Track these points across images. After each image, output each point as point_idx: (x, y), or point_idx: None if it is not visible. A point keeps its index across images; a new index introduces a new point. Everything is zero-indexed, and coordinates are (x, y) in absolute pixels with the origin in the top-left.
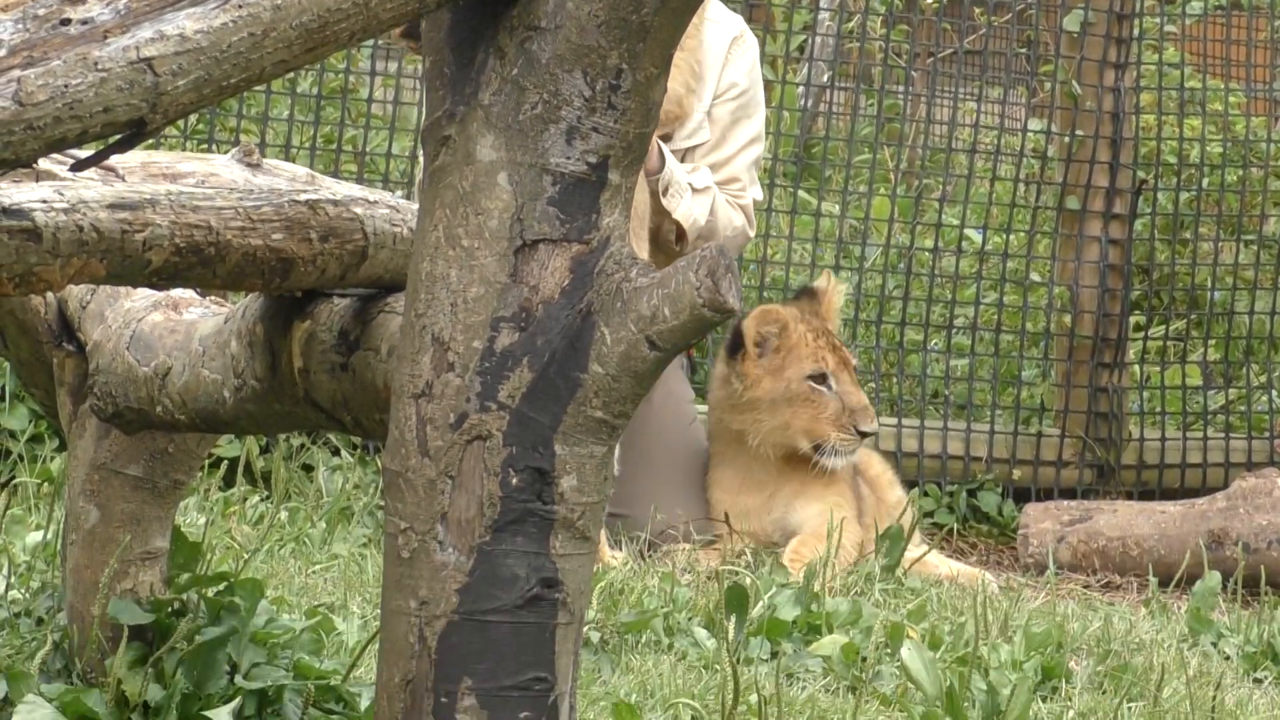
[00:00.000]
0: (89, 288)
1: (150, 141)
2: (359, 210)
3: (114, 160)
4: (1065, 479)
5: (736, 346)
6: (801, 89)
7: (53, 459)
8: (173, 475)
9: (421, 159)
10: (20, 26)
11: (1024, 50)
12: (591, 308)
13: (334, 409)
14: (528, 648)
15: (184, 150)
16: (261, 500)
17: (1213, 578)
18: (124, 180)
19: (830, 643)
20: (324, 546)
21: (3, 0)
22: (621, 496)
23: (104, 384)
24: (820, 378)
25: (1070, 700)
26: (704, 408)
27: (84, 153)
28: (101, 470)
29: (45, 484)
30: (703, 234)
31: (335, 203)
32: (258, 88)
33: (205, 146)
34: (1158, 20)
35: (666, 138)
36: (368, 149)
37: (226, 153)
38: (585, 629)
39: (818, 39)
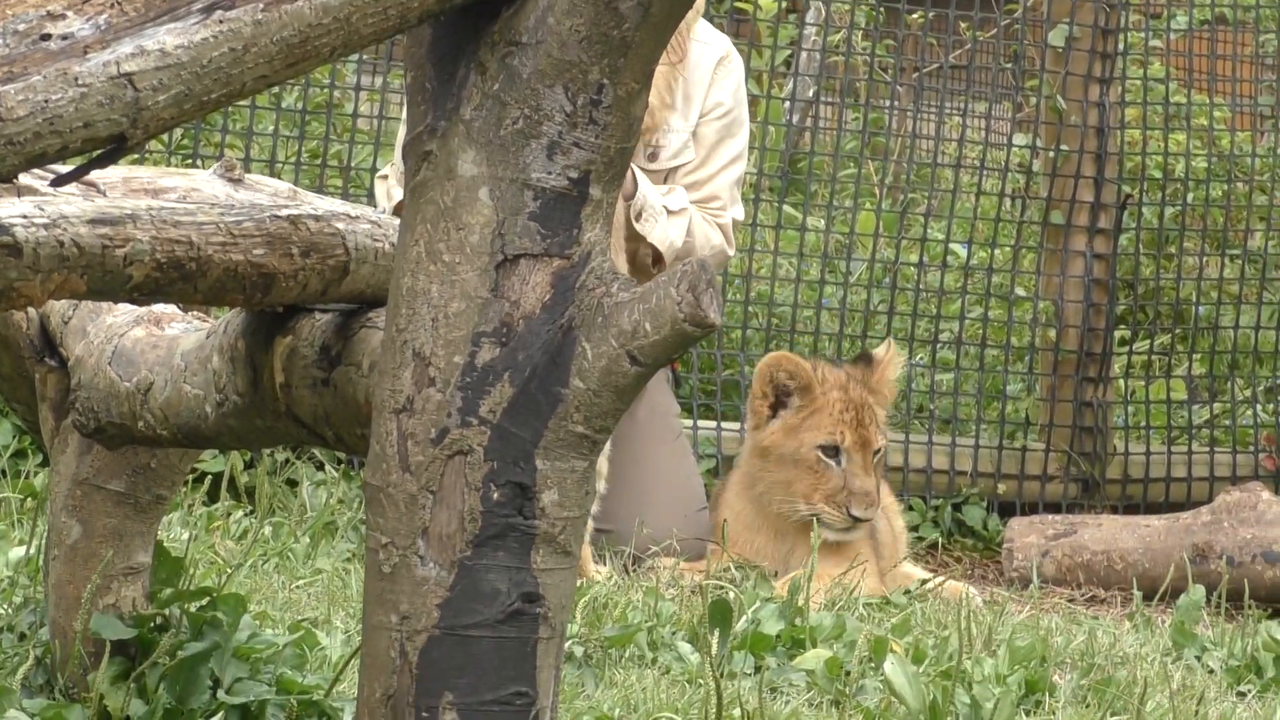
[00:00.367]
0: (71, 303)
1: (134, 156)
2: (340, 225)
3: (95, 175)
4: (1050, 493)
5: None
6: (787, 104)
7: (36, 474)
8: (155, 490)
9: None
10: (0, 41)
11: (1009, 65)
12: (573, 323)
13: (316, 424)
14: (509, 662)
15: (169, 165)
16: (245, 515)
17: (1197, 591)
18: (105, 195)
19: (814, 657)
20: (308, 561)
21: None
22: (606, 511)
23: (86, 399)
24: (832, 450)
25: (1054, 714)
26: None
27: (65, 168)
28: (84, 485)
29: (28, 499)
30: (680, 255)
31: (317, 218)
32: (242, 103)
33: (190, 161)
34: (1143, 35)
35: (653, 156)
36: (353, 164)
37: (210, 168)
38: (569, 643)
39: (803, 54)
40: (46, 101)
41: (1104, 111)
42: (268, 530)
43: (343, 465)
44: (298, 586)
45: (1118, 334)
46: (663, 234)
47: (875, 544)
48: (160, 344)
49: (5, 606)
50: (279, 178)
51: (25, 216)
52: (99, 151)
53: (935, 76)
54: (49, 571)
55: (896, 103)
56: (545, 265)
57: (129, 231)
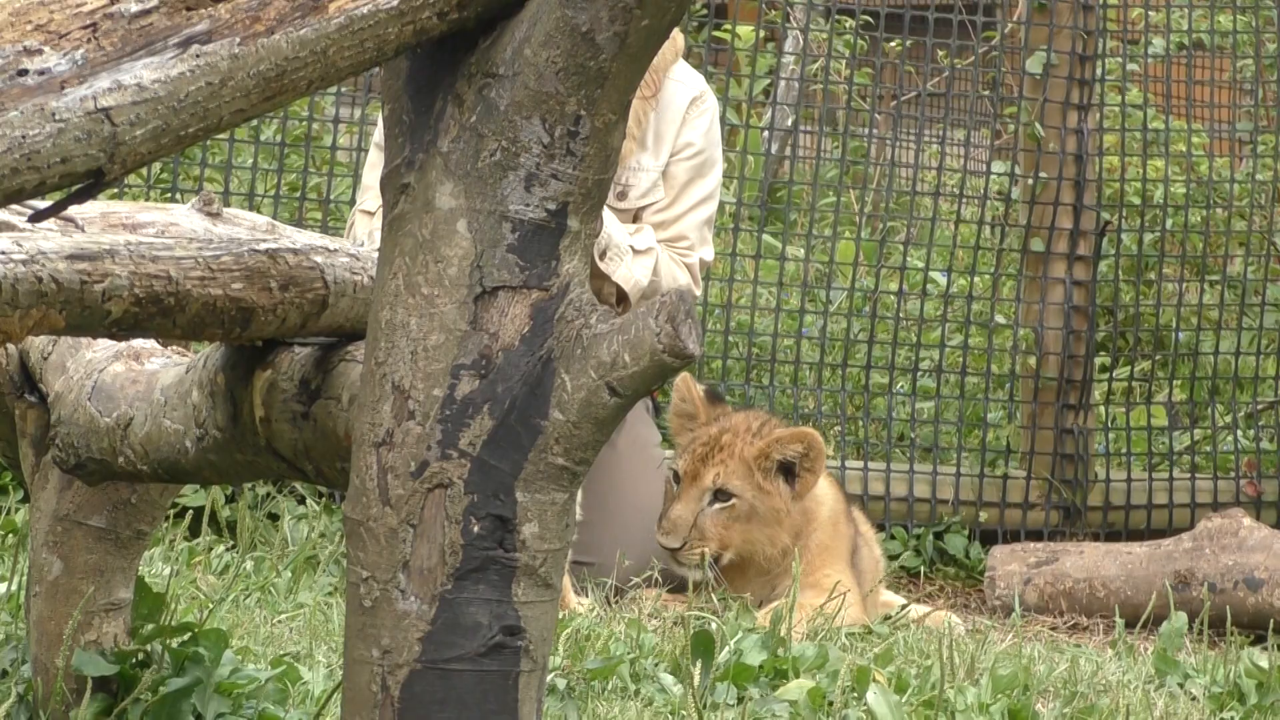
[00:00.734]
0: (50, 338)
1: (113, 191)
2: (319, 259)
3: (73, 211)
4: (1031, 521)
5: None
6: (766, 133)
7: (16, 510)
8: (136, 526)
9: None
10: None
11: (987, 92)
12: (552, 354)
13: (296, 458)
14: (491, 696)
15: (147, 200)
16: (227, 550)
17: (1179, 618)
18: (83, 231)
19: (796, 687)
20: (289, 596)
21: None
22: (588, 543)
23: (66, 435)
24: (675, 477)
25: None
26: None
27: (43, 203)
28: (64, 521)
29: (9, 535)
30: (645, 295)
31: (295, 251)
32: (221, 136)
33: (169, 196)
34: (1120, 61)
35: (622, 195)
36: (332, 196)
37: (188, 202)
38: (551, 676)
39: (782, 83)
40: (24, 137)
41: (1082, 138)
42: (249, 565)
43: (324, 499)
44: (279, 621)
45: (1098, 361)
46: (627, 273)
47: (857, 573)
48: (139, 379)
49: None
50: (258, 211)
51: (3, 252)
52: (77, 187)
53: (914, 104)
54: (30, 608)
55: (875, 131)
56: (524, 297)
57: (107, 267)
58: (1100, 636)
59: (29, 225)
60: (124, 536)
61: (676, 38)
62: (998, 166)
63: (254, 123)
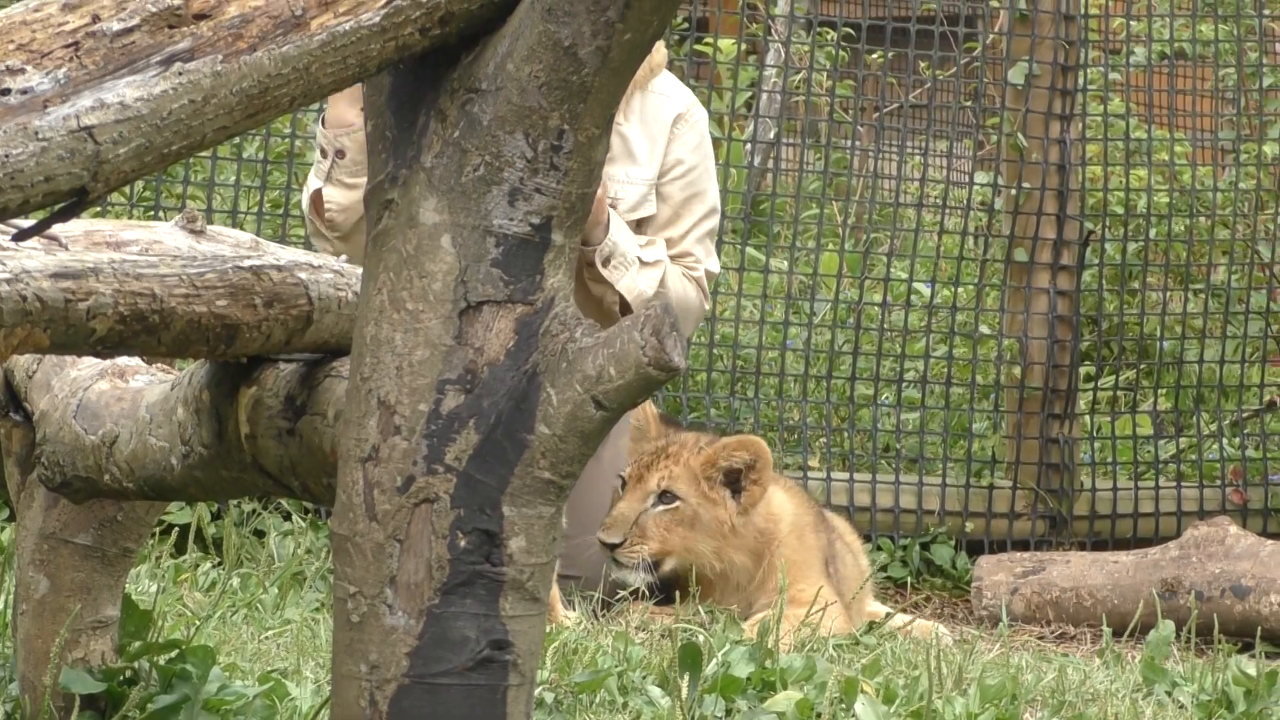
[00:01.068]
0: (35, 357)
1: (96, 209)
2: (303, 275)
3: (57, 229)
4: (1018, 530)
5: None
6: (748, 146)
7: (2, 529)
8: (122, 543)
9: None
10: None
11: (969, 103)
12: (537, 369)
13: (281, 474)
14: (479, 710)
15: (131, 218)
16: (213, 567)
17: (1166, 627)
18: (67, 249)
19: (784, 699)
20: (276, 612)
21: None
22: (574, 556)
23: (51, 453)
24: (623, 481)
25: None
26: None
27: (26, 222)
28: (50, 539)
29: None
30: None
31: (279, 268)
32: (204, 154)
33: (152, 214)
34: (1102, 71)
35: (610, 206)
36: None
37: (172, 220)
38: (539, 689)
39: (764, 95)
40: (7, 156)
41: (1065, 148)
42: (236, 581)
43: (310, 515)
44: (266, 637)
45: (1083, 370)
46: (631, 283)
47: (838, 580)
48: (125, 397)
49: None
50: (241, 228)
51: None
52: (60, 205)
53: (896, 116)
54: (17, 626)
55: (858, 143)
56: (509, 312)
57: (91, 285)
58: (1088, 645)
59: (13, 244)
60: (110, 554)
61: (655, 51)
62: (981, 177)
63: (237, 140)
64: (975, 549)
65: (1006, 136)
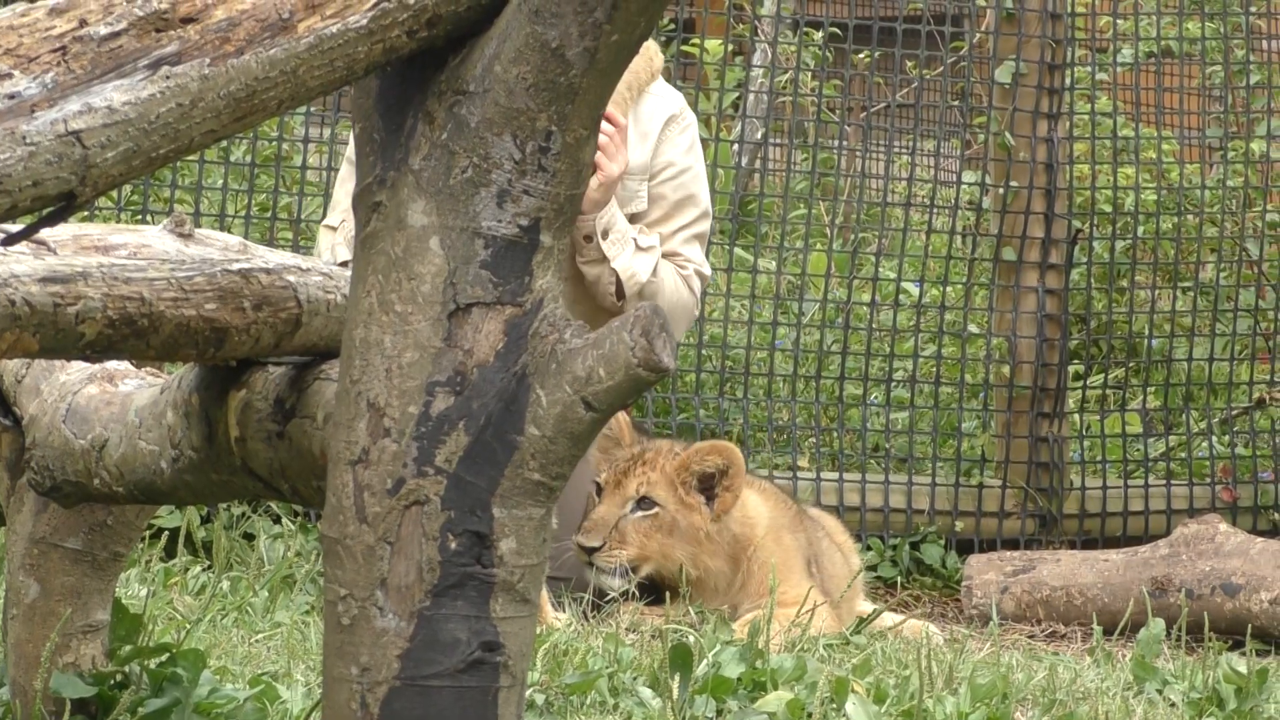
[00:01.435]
0: (24, 362)
1: (84, 213)
2: (292, 278)
3: (45, 233)
4: (1008, 529)
5: None
6: (735, 146)
7: None
8: (112, 547)
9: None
10: None
11: (956, 103)
12: (526, 370)
13: (271, 477)
14: (470, 712)
15: (119, 222)
16: (203, 570)
17: (1156, 625)
18: (55, 253)
19: (775, 699)
20: (266, 615)
21: None
22: (564, 559)
23: (41, 458)
24: (598, 488)
25: None
26: None
27: (15, 227)
28: (40, 544)
29: None
30: (645, 294)
31: (268, 271)
32: (191, 157)
33: (140, 218)
34: (1089, 69)
35: None
36: (303, 216)
37: (160, 223)
38: (529, 691)
39: (751, 96)
40: None
41: (1053, 147)
42: (226, 585)
43: (299, 518)
44: (257, 640)
45: (1072, 369)
46: (627, 264)
47: (823, 579)
48: (114, 401)
49: None
50: (229, 232)
51: None
52: (48, 209)
53: (883, 115)
54: (8, 631)
55: (845, 143)
56: (498, 313)
57: (80, 289)
58: (1078, 644)
59: (1, 249)
60: (100, 558)
61: (654, 58)
62: (968, 176)
63: (224, 143)
64: (965, 548)
65: (994, 135)
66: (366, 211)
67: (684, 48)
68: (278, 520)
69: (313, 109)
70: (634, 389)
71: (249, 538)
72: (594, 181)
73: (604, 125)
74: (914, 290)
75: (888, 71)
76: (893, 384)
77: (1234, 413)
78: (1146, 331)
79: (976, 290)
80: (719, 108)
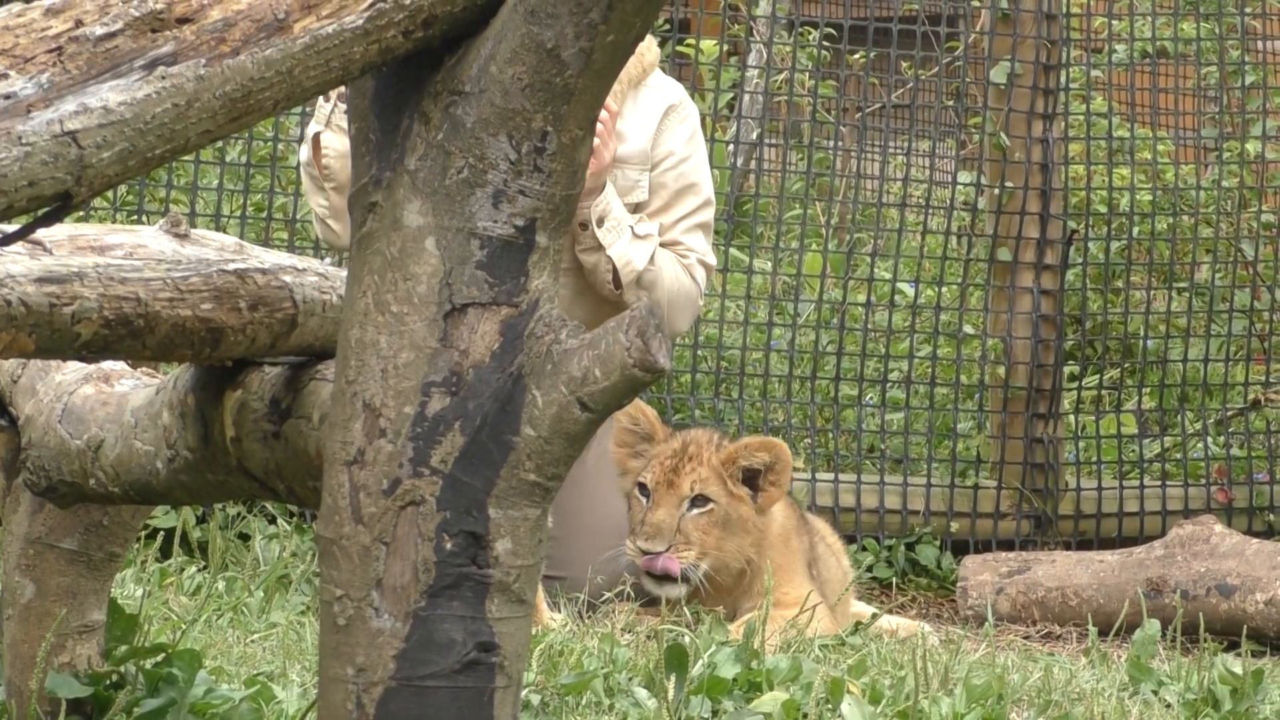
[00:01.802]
0: (20, 362)
1: (80, 214)
2: (288, 278)
3: (41, 234)
4: (1003, 530)
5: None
6: (731, 147)
7: None
8: (108, 548)
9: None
10: None
11: (952, 103)
12: (522, 370)
13: (267, 478)
14: (466, 712)
15: (114, 222)
16: (198, 570)
17: (1152, 626)
18: (51, 254)
19: (771, 700)
20: (262, 615)
21: None
22: (559, 558)
23: (37, 458)
24: (645, 489)
25: None
26: None
27: (10, 227)
28: (36, 544)
29: None
30: (643, 284)
31: (264, 271)
32: (186, 158)
33: (135, 218)
34: (1084, 70)
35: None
36: (298, 216)
37: (156, 224)
38: (525, 691)
39: (746, 96)
40: None
41: (1048, 147)
42: (221, 585)
43: (295, 518)
44: (253, 641)
45: (1067, 369)
46: (623, 251)
47: (821, 583)
48: (110, 401)
49: None
50: (225, 232)
51: None
52: (44, 210)
53: (878, 116)
54: (3, 631)
55: (840, 143)
56: (494, 314)
57: (76, 289)
58: (1073, 645)
59: None
60: (96, 558)
61: (648, 51)
62: (963, 177)
63: (219, 144)
64: (960, 549)
65: (989, 136)
66: (362, 212)
67: (679, 48)
68: (273, 520)
69: (308, 109)
70: (630, 389)
71: (244, 538)
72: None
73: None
74: (909, 291)
75: (883, 72)
76: (888, 385)
77: (1229, 414)
78: (1142, 332)
79: (972, 291)
80: (714, 108)
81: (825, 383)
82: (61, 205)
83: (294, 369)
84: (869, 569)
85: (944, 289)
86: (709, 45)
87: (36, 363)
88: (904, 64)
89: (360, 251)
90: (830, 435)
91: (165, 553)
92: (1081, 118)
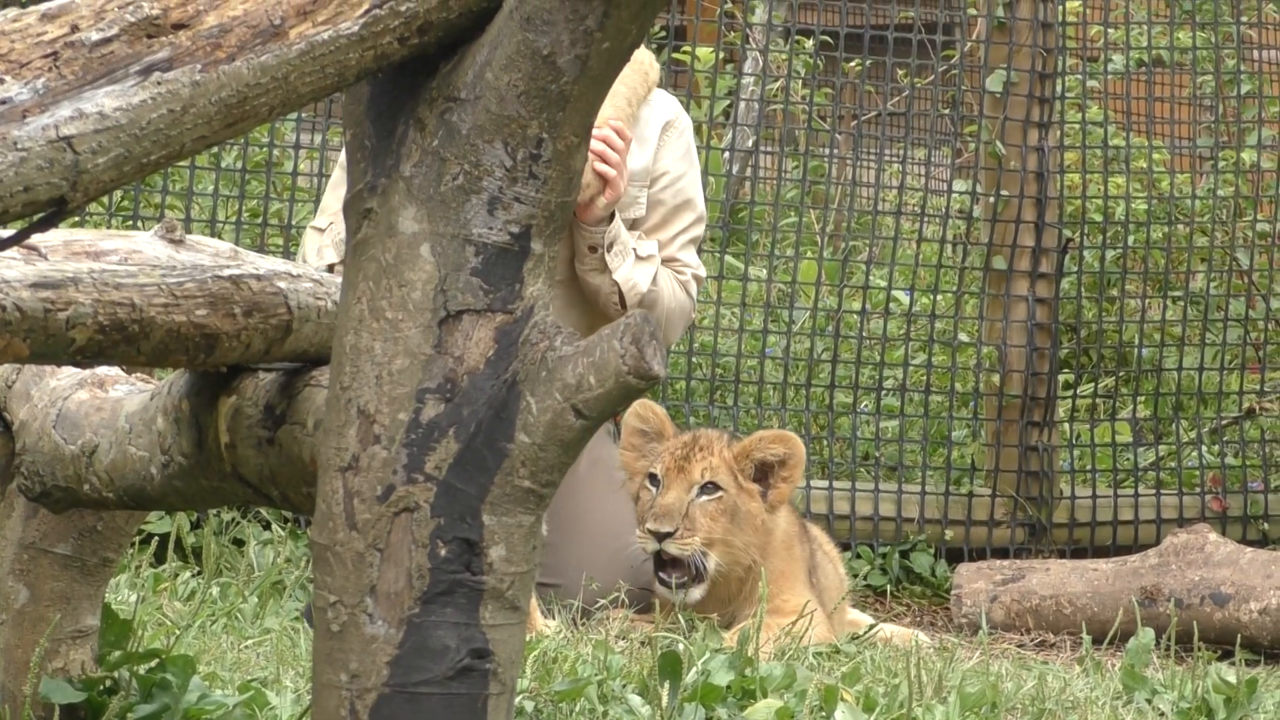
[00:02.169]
0: (14, 367)
1: (75, 219)
2: (283, 284)
3: (36, 239)
4: (997, 538)
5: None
6: (726, 154)
7: None
8: (102, 553)
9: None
10: None
11: (947, 111)
12: (517, 377)
13: (261, 483)
14: (460, 719)
15: (109, 228)
16: (192, 576)
17: (1146, 634)
18: (46, 259)
19: (764, 707)
20: (256, 621)
21: None
22: (553, 565)
23: (31, 463)
24: (654, 479)
25: None
26: None
27: (5, 232)
28: (30, 549)
29: None
30: (645, 302)
31: (259, 277)
32: (182, 163)
33: (130, 223)
34: (1080, 78)
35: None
36: (294, 222)
37: (151, 229)
38: (519, 698)
39: (741, 104)
40: None
41: (1043, 156)
42: (215, 590)
43: (289, 524)
44: (246, 646)
45: (1061, 378)
46: (628, 275)
47: (819, 591)
48: (104, 406)
49: None
50: (220, 238)
51: None
52: (39, 215)
53: (874, 124)
54: None
55: (836, 151)
56: (488, 320)
57: (71, 294)
58: (1067, 653)
59: None
60: (90, 564)
61: (650, 71)
62: (959, 185)
63: (215, 149)
64: (955, 557)
65: (985, 144)
66: (357, 218)
67: (675, 55)
68: (267, 526)
69: (303, 115)
70: (625, 397)
71: (239, 543)
72: (602, 200)
73: (613, 139)
74: (904, 299)
75: (879, 80)
76: (883, 392)
77: (1224, 422)
78: (1136, 341)
79: (967, 299)
80: (710, 116)
81: (820, 390)
82: (57, 211)
83: (289, 375)
84: (864, 576)
85: (939, 297)
86: (705, 52)
87: (30, 368)
88: (900, 72)
89: (355, 258)
90: (825, 442)
91: (159, 558)
92: (1077, 126)
